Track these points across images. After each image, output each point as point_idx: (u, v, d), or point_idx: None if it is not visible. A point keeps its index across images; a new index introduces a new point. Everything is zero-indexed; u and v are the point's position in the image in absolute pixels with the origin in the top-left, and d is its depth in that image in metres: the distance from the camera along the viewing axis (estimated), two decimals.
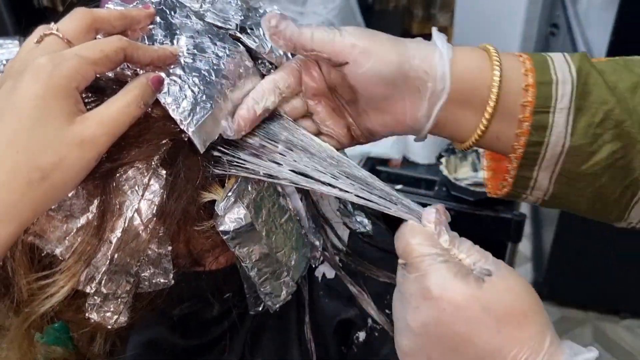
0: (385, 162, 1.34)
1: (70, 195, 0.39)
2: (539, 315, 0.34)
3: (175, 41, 0.42)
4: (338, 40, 0.40)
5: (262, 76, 0.45)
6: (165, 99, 0.39)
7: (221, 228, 0.43)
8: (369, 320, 0.56)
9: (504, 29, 2.86)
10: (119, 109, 0.37)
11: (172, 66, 0.41)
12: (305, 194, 0.51)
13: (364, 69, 0.40)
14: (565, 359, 0.33)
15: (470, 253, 0.37)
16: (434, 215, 0.39)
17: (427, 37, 0.41)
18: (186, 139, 0.40)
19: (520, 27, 2.78)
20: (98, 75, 0.38)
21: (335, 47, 0.40)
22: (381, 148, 1.29)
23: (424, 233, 0.38)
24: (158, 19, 0.43)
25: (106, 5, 0.44)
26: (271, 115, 0.45)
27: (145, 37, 0.42)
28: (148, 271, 0.43)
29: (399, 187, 1.28)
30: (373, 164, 1.32)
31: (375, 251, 0.60)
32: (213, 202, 0.43)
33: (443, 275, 0.34)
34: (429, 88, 0.40)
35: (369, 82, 0.41)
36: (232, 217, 0.43)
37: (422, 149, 1.33)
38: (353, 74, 0.41)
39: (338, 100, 0.45)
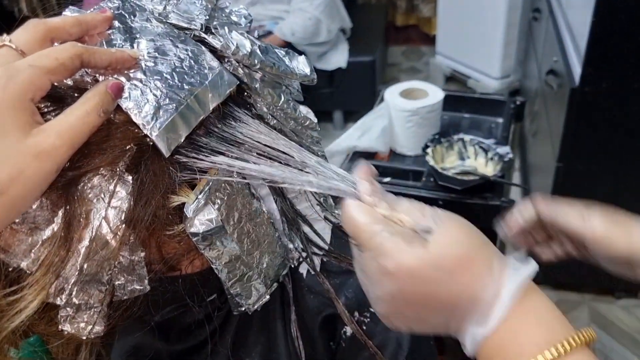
0: (372, 155, 1.34)
1: (34, 207, 0.38)
2: (481, 251, 0.38)
3: (135, 45, 0.41)
4: (589, 231, 0.54)
5: (231, 74, 0.44)
6: (126, 104, 0.39)
7: (191, 230, 0.42)
8: (356, 314, 0.55)
9: (487, 17, 2.86)
10: (78, 118, 0.36)
11: (132, 70, 0.40)
12: (280, 194, 0.51)
13: (600, 253, 0.53)
14: (511, 279, 0.37)
15: (409, 212, 0.40)
16: (368, 187, 0.40)
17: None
18: (151, 144, 0.40)
19: (504, 15, 2.79)
20: (56, 84, 0.37)
21: (587, 235, 0.54)
22: (367, 141, 1.29)
23: (364, 209, 0.40)
24: (117, 23, 0.42)
25: (63, 13, 0.43)
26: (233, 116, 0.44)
27: (104, 43, 0.41)
28: (122, 279, 0.43)
29: (386, 179, 1.28)
30: (360, 158, 1.31)
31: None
32: (183, 205, 0.42)
33: (393, 250, 0.37)
34: None
35: (602, 259, 0.54)
36: (202, 218, 0.42)
37: (409, 140, 1.33)
38: (591, 250, 0.54)
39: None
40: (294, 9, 2.67)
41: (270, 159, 0.44)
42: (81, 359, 0.52)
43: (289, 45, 2.58)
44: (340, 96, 2.92)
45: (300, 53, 0.48)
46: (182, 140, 0.40)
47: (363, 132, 1.30)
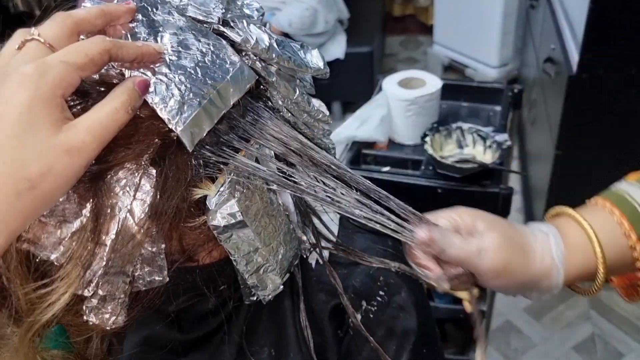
0: (371, 145, 1.34)
1: (61, 200, 0.39)
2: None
3: (159, 39, 0.41)
4: (480, 264, 0.51)
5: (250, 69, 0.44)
6: (152, 99, 0.39)
7: (213, 223, 0.43)
8: (363, 303, 0.56)
9: (484, 5, 2.86)
10: (107, 115, 0.37)
11: (157, 65, 0.40)
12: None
13: (493, 284, 0.53)
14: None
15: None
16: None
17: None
18: (175, 138, 0.40)
19: (501, 3, 2.78)
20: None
21: (477, 269, 0.51)
22: (366, 131, 1.29)
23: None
24: (140, 16, 0.42)
25: (83, 4, 0.43)
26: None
27: (129, 36, 0.41)
28: (143, 270, 0.44)
29: (386, 169, 1.28)
30: (359, 148, 1.32)
31: (366, 234, 0.60)
32: (204, 197, 0.43)
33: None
34: (545, 290, 0.53)
35: (494, 287, 0.54)
36: (224, 212, 0.43)
37: (407, 130, 1.34)
38: (482, 282, 0.53)
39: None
40: (291, 0, 2.66)
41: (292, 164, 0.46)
42: (92, 348, 0.53)
43: (285, 37, 2.58)
44: (339, 87, 2.92)
45: None
46: (204, 135, 0.41)
47: (362, 122, 1.30)
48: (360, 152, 1.32)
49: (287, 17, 2.64)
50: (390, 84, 1.34)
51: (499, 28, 2.84)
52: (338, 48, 2.83)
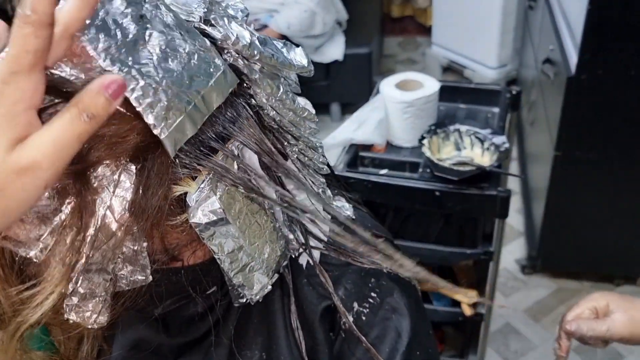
0: (368, 147, 1.34)
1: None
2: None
3: (147, 37, 0.40)
4: (611, 338, 0.76)
5: (235, 69, 0.44)
6: (140, 103, 0.38)
7: (193, 220, 0.43)
8: (355, 305, 0.56)
9: (483, 6, 2.86)
10: (60, 128, 0.34)
11: (144, 64, 0.39)
12: (280, 184, 0.51)
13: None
14: None
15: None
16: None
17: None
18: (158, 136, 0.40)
19: (500, 3, 2.78)
20: (66, 77, 0.36)
21: (609, 340, 0.77)
22: (364, 134, 1.29)
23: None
24: (130, 9, 0.40)
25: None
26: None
27: (118, 30, 0.39)
28: (125, 269, 0.43)
29: (383, 171, 1.28)
30: (356, 150, 1.32)
31: (358, 236, 0.60)
32: (186, 194, 0.42)
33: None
34: None
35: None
36: (205, 210, 0.43)
37: (405, 132, 1.33)
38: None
39: None
40: (289, 1, 2.67)
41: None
42: (83, 352, 0.52)
43: (284, 39, 2.57)
44: (337, 88, 2.92)
45: (297, 46, 0.48)
46: (187, 139, 0.40)
47: (359, 125, 1.30)
48: (357, 155, 1.32)
49: (286, 19, 2.64)
50: (387, 86, 1.34)
51: (498, 29, 2.84)
52: (336, 49, 2.83)
